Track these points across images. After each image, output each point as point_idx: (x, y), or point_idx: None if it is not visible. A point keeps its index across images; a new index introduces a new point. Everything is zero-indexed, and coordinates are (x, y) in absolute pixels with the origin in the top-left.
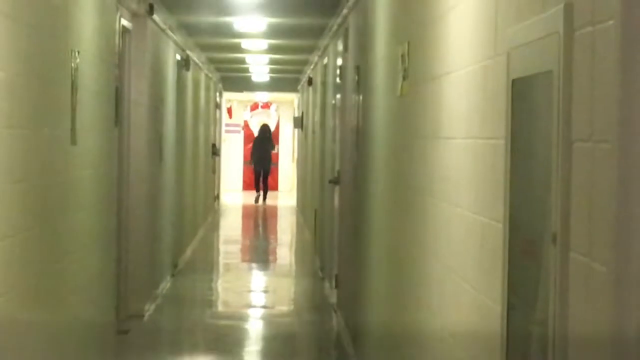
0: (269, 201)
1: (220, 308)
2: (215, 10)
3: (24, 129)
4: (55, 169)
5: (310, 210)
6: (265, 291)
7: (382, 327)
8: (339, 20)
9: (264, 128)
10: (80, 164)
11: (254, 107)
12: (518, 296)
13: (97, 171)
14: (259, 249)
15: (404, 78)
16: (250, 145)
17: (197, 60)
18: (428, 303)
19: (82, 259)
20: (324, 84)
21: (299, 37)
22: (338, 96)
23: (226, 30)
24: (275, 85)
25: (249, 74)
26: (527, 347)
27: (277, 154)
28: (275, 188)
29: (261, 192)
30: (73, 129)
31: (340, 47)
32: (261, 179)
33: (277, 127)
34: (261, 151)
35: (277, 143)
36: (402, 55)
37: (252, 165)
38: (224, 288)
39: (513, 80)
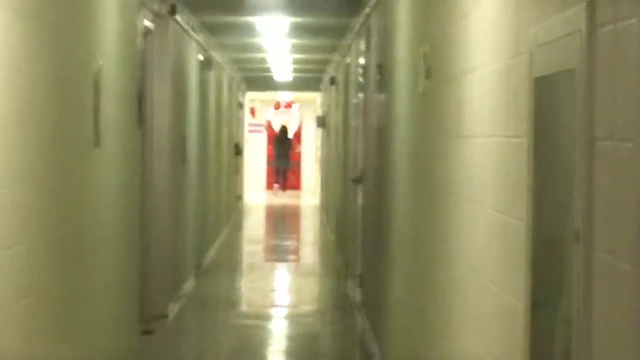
0: (292, 200)
1: (244, 308)
2: (238, 10)
3: (47, 131)
4: (79, 170)
5: (333, 209)
6: (289, 291)
7: (405, 326)
8: (361, 19)
9: (283, 129)
10: (104, 166)
11: (277, 106)
12: (542, 295)
13: (120, 173)
14: (282, 249)
15: (426, 77)
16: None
17: (219, 60)
18: (451, 302)
19: (105, 261)
20: (346, 83)
21: (322, 37)
22: (360, 95)
23: (249, 30)
24: (298, 84)
25: (271, 74)
26: (551, 346)
27: (299, 153)
28: (298, 187)
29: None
30: (96, 131)
31: (362, 46)
32: (281, 174)
33: (300, 127)
34: (280, 151)
35: (299, 142)
36: (424, 54)
37: (274, 164)
38: (247, 288)
39: (535, 79)
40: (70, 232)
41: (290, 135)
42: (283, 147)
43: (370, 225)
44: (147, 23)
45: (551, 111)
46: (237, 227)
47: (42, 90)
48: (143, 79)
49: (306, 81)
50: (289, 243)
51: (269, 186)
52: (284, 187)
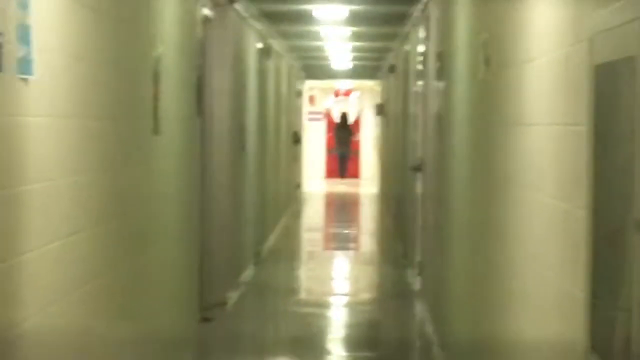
0: (351, 188)
1: (303, 296)
2: None
3: (106, 120)
4: (138, 159)
5: (393, 197)
6: (348, 279)
7: (465, 315)
8: (420, 7)
9: (343, 117)
10: (163, 154)
11: (336, 94)
12: (602, 284)
13: (179, 160)
14: (341, 237)
15: (486, 65)
16: (331, 133)
17: (278, 49)
18: (511, 290)
19: (165, 249)
20: (405, 71)
21: (381, 25)
22: (420, 83)
23: (307, 18)
24: (357, 72)
25: (330, 62)
26: (612, 335)
27: (358, 142)
28: (357, 175)
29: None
30: (155, 119)
31: (422, 34)
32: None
33: (359, 115)
34: (341, 139)
35: (358, 131)
36: (484, 42)
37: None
38: (306, 276)
39: (595, 66)
40: (130, 220)
41: (350, 122)
42: (344, 134)
43: (430, 213)
44: (206, 11)
45: (611, 99)
46: (296, 215)
47: (102, 79)
48: (202, 68)
49: (365, 69)
50: (348, 231)
51: (328, 174)
52: (344, 175)
